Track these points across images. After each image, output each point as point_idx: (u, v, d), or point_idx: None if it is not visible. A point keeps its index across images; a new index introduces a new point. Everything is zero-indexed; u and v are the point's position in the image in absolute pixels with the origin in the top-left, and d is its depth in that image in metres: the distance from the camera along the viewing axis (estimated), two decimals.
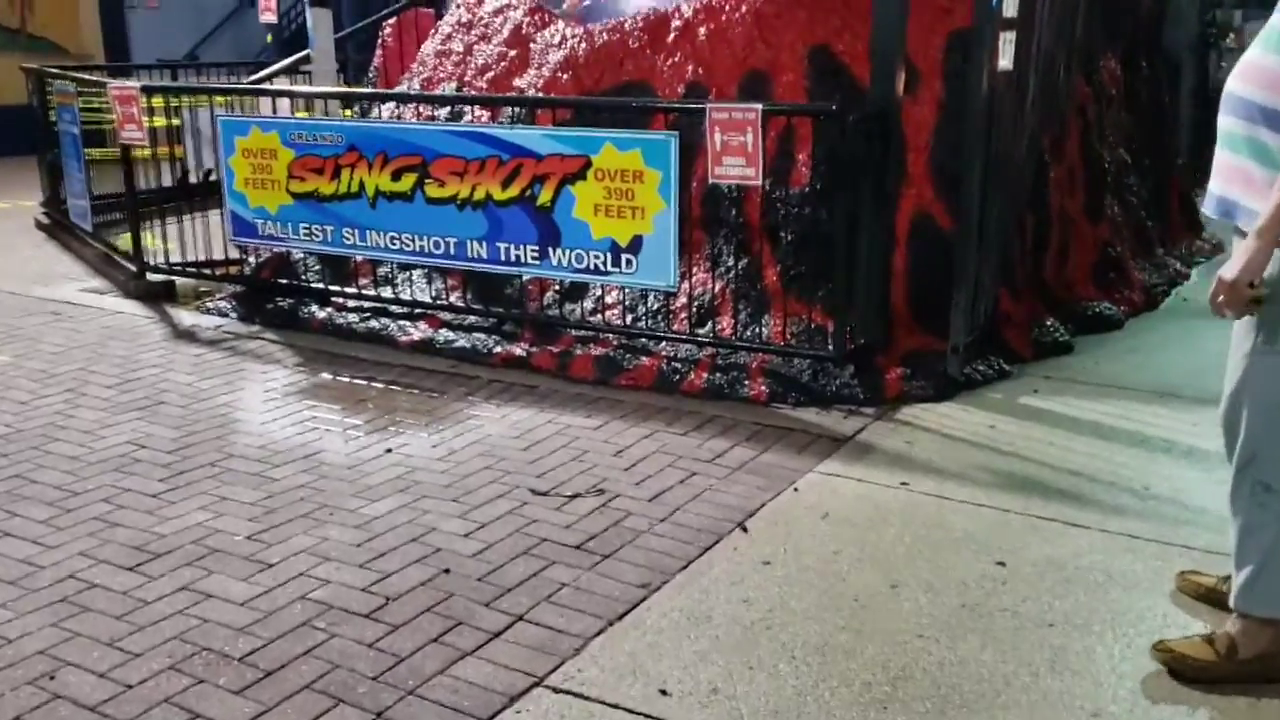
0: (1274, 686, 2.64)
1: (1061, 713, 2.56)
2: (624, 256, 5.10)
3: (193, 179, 9.49)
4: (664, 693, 2.65)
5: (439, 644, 2.87)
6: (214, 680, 2.71)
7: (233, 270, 6.66)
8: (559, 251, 5.30)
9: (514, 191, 5.34)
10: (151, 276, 6.74)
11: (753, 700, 2.61)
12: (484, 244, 5.49)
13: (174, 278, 6.71)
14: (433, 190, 5.54)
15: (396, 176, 5.64)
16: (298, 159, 5.90)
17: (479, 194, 5.43)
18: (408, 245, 5.70)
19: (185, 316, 6.24)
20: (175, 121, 8.18)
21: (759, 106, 4.66)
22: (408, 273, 6.15)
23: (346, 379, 5.17)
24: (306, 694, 2.65)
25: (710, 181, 4.91)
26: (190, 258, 6.67)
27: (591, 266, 5.22)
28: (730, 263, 5.37)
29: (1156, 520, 3.57)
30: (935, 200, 5.17)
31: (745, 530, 3.54)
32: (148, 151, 8.95)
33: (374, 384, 5.11)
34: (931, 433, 4.37)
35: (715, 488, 3.87)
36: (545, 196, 5.26)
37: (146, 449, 4.29)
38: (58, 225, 8.56)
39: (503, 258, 5.46)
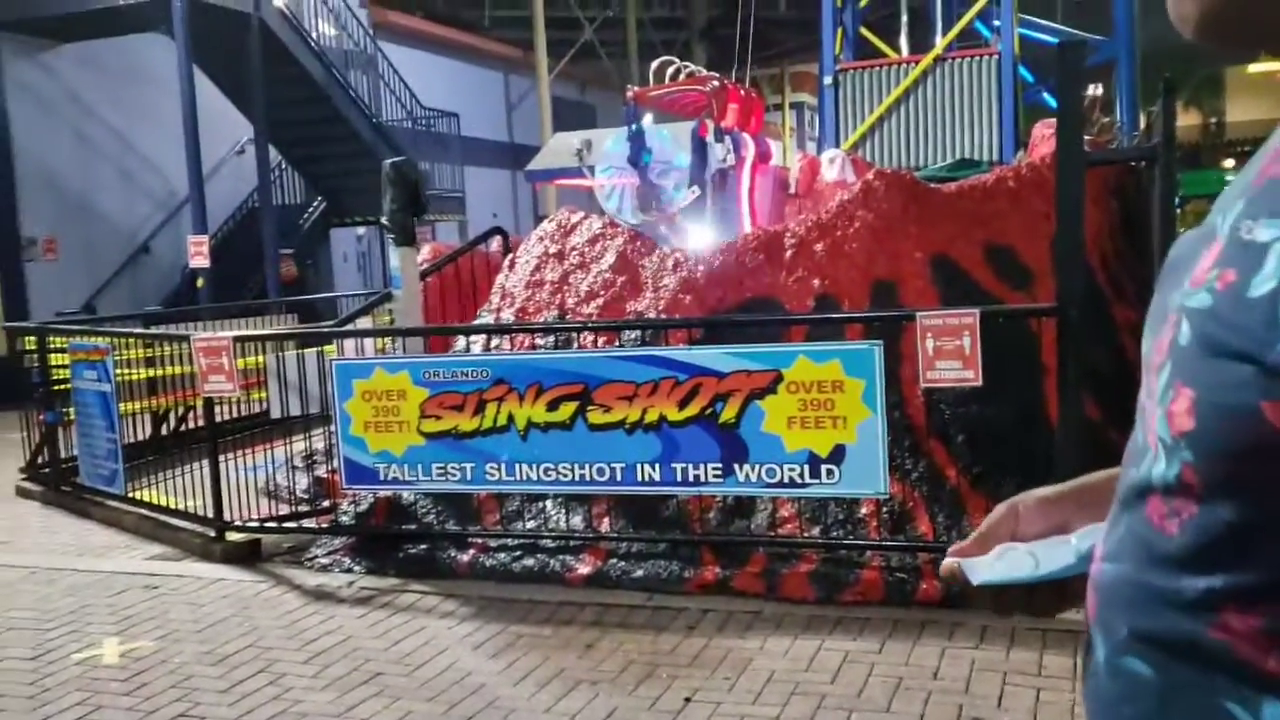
0: None
1: None
2: (824, 467, 5.06)
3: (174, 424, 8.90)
4: None
5: None
6: None
7: (323, 521, 6.21)
8: (746, 467, 5.22)
9: (692, 411, 5.27)
10: (232, 536, 6.19)
11: None
12: (657, 466, 5.35)
13: (258, 536, 6.19)
14: (596, 417, 5.40)
15: (553, 406, 5.47)
16: (432, 397, 5.65)
17: (651, 416, 5.33)
18: (565, 475, 5.49)
19: (301, 576, 5.72)
20: (176, 369, 7.78)
21: (976, 311, 4.83)
22: (539, 504, 5.88)
23: (555, 627, 4.83)
24: None
25: (923, 385, 4.99)
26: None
27: (786, 480, 5.15)
28: (909, 464, 5.40)
29: None
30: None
31: None
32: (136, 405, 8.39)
33: (589, 627, 4.80)
34: None
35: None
36: (729, 413, 5.21)
37: None
38: (54, 490, 7.79)
39: (679, 479, 5.33)
